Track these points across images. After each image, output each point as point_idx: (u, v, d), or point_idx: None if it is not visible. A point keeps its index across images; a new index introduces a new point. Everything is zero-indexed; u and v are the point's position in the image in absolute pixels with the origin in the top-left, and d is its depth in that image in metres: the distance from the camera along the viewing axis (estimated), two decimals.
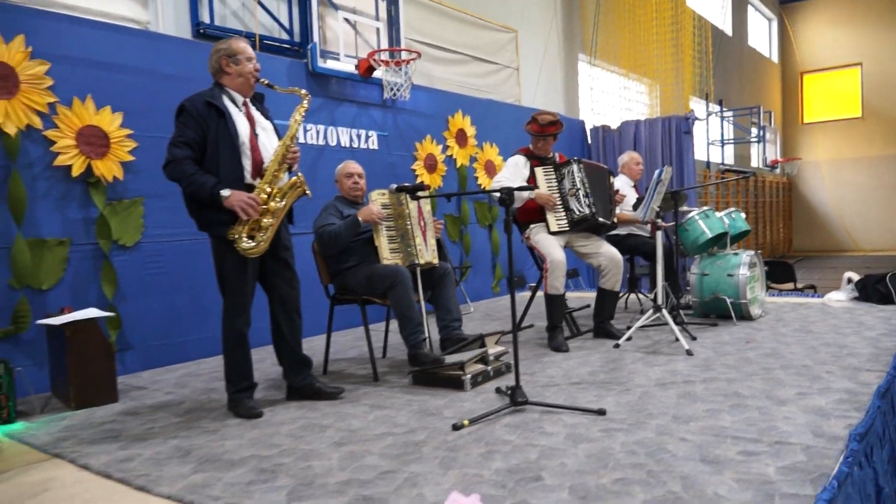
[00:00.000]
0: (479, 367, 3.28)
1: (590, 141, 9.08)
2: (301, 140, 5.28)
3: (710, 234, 4.71)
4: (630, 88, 10.54)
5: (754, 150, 17.18)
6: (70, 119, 3.94)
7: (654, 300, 4.09)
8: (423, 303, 3.54)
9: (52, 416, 3.08)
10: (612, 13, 9.35)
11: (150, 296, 4.29)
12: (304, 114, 2.97)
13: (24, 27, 3.79)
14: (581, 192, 4.18)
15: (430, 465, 2.20)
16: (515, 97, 8.28)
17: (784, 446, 2.21)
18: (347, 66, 5.67)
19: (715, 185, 13.94)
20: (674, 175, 8.45)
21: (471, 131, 7.04)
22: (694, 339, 4.07)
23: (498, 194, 3.63)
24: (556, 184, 4.25)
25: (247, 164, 2.83)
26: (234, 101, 2.91)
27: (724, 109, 15.18)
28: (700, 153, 14.30)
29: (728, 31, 15.98)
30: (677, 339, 3.94)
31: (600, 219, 4.16)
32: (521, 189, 2.92)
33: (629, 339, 4.11)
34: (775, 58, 19.81)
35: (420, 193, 3.08)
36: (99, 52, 4.13)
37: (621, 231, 5.21)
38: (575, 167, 4.24)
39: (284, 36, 5.43)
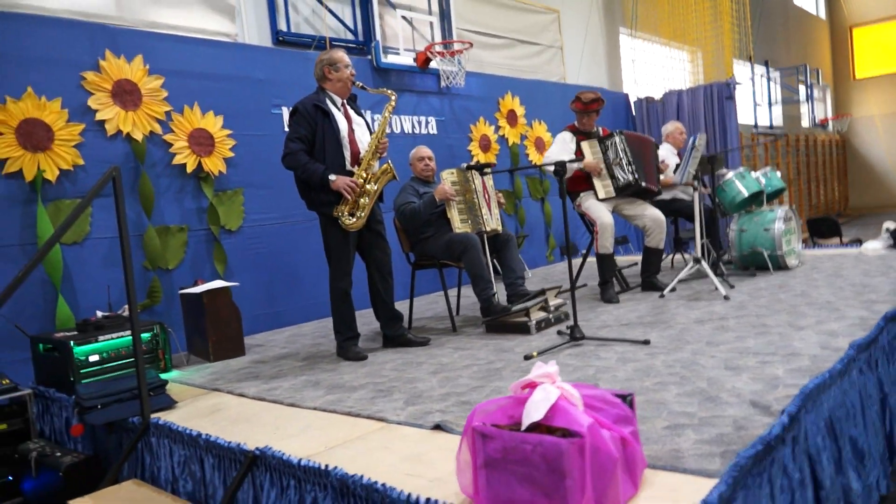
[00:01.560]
0: (542, 314, 3.86)
1: (634, 113, 9.47)
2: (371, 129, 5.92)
3: (746, 194, 5.16)
4: (673, 58, 10.84)
5: (804, 110, 17.11)
6: (182, 124, 4.65)
7: (693, 254, 4.59)
8: (490, 264, 4.14)
9: (197, 366, 3.82)
10: None
11: (253, 271, 5.01)
12: (391, 111, 3.59)
13: (141, 48, 4.51)
14: (624, 161, 4.69)
15: (510, 382, 2.80)
16: (560, 75, 8.74)
17: (794, 356, 2.73)
18: (406, 59, 6.26)
19: (763, 147, 14.08)
20: (716, 139, 8.80)
21: (520, 111, 7.56)
22: (732, 287, 4.56)
23: (552, 167, 4.27)
24: (602, 155, 4.76)
25: (347, 154, 3.47)
26: (334, 103, 3.55)
27: (771, 70, 15.22)
28: (748, 116, 14.45)
29: None
30: (717, 288, 4.45)
31: (643, 184, 4.67)
32: (572, 161, 3.47)
33: (673, 289, 4.63)
34: (823, 14, 19.53)
35: (486, 170, 3.67)
36: (200, 64, 4.83)
37: (666, 196, 5.68)
38: (617, 139, 4.74)
39: (350, 36, 6.05)
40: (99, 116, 4.27)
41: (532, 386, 1.71)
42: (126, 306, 3.86)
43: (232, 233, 4.93)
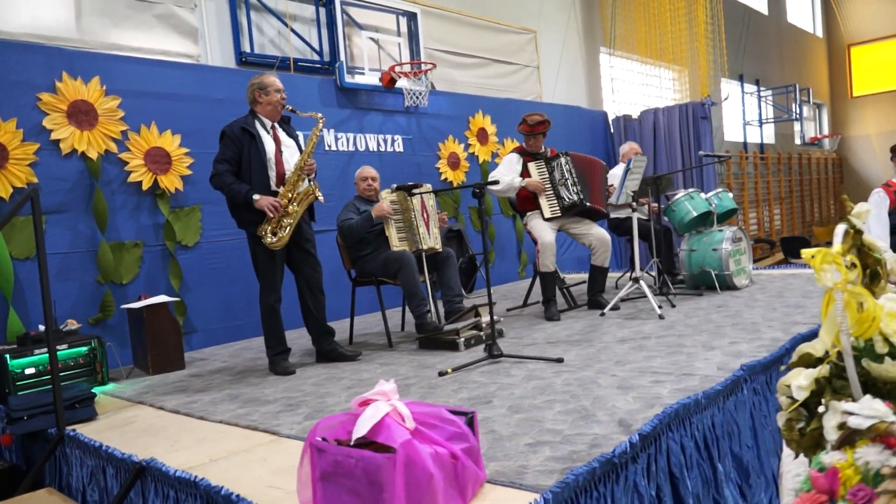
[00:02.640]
0: (473, 332, 3.95)
1: (612, 131, 9.57)
2: (332, 147, 6.05)
3: (695, 214, 5.24)
4: (657, 76, 10.94)
5: (798, 128, 17.14)
6: (139, 143, 4.79)
7: (632, 273, 4.67)
8: (428, 281, 4.23)
9: (135, 379, 3.93)
10: (629, 3, 9.78)
11: (209, 286, 5.12)
12: (319, 133, 3.70)
13: (99, 69, 4.66)
14: (569, 182, 4.79)
15: (413, 397, 2.89)
16: (537, 94, 8.85)
17: (687, 377, 2.80)
18: (372, 78, 6.39)
19: (753, 165, 14.16)
20: (691, 158, 8.86)
21: (491, 129, 7.67)
22: (674, 306, 4.63)
23: (495, 187, 4.43)
24: (548, 175, 4.86)
25: (272, 175, 3.60)
26: (263, 125, 3.68)
27: (763, 89, 15.28)
28: (737, 134, 14.51)
29: (763, 10, 16.02)
30: (660, 306, 4.54)
31: (588, 204, 4.76)
32: (489, 184, 3.56)
33: (617, 308, 4.70)
34: (819, 32, 19.59)
35: (415, 191, 3.78)
36: (159, 85, 4.97)
37: (621, 214, 5.78)
38: (563, 160, 4.84)
39: (316, 57, 6.19)
40: (54, 136, 4.41)
41: (367, 403, 1.80)
42: (69, 321, 3.98)
43: (189, 248, 5.05)
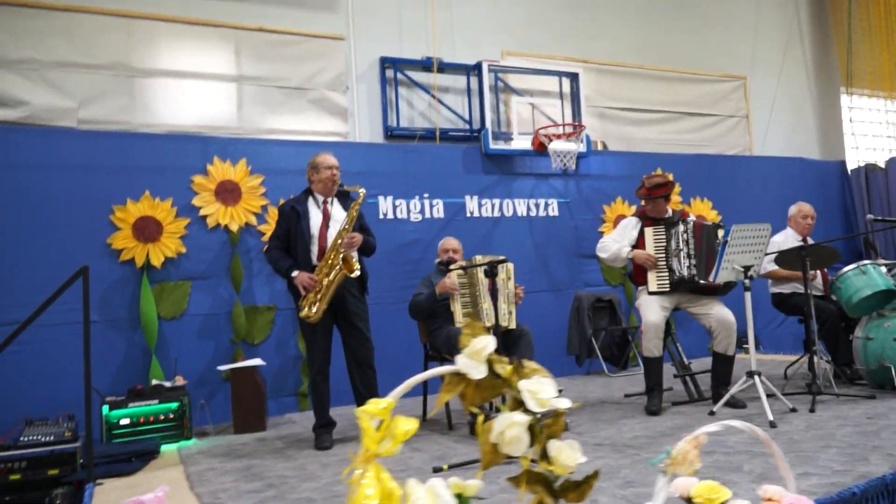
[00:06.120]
0: None
1: (852, 184, 8.04)
2: (475, 214, 6.03)
3: (867, 292, 4.12)
4: None
5: None
6: (276, 216, 5.29)
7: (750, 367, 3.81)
8: None
9: (216, 437, 4.27)
10: (870, 33, 8.25)
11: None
12: (359, 206, 3.73)
13: (247, 152, 5.29)
14: (683, 253, 4.14)
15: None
16: (744, 146, 7.86)
17: None
18: (524, 142, 6.26)
19: None
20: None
21: (674, 189, 6.96)
22: (812, 411, 3.68)
23: (603, 255, 4.10)
24: (665, 244, 4.26)
25: (314, 249, 3.72)
26: (316, 201, 3.83)
27: None
28: None
29: None
30: (793, 409, 3.69)
31: (701, 282, 4.05)
32: (501, 262, 3.20)
33: (737, 405, 3.90)
34: None
35: (451, 267, 3.59)
36: (302, 162, 5.37)
37: (784, 289, 4.83)
38: (681, 227, 4.21)
39: (465, 126, 6.28)
40: (202, 212, 5.10)
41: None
42: (177, 377, 4.49)
43: None
